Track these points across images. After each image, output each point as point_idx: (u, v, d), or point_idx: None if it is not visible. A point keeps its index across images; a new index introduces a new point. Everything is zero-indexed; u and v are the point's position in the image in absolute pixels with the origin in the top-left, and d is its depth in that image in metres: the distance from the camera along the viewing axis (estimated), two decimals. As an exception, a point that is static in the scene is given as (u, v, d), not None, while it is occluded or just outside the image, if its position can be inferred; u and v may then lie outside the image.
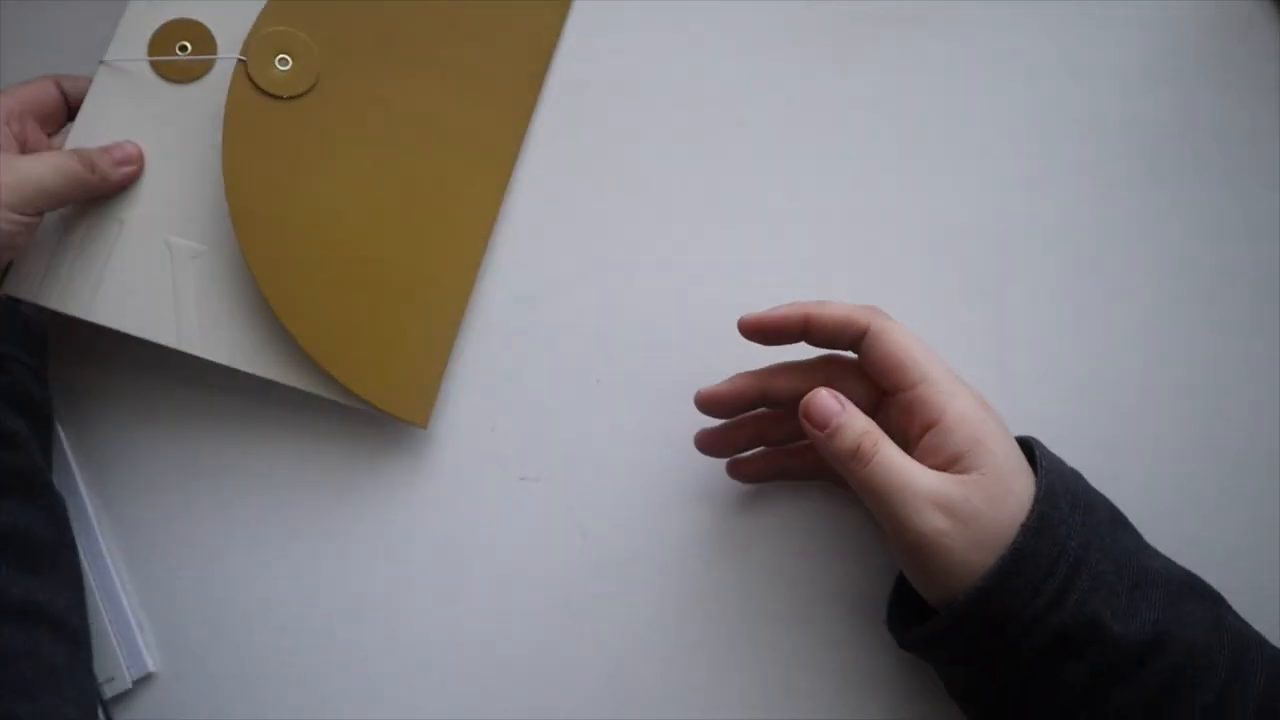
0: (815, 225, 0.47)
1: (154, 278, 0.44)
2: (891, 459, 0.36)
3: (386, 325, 0.44)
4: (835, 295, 0.46)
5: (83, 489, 0.45)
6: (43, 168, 0.41)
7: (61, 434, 0.46)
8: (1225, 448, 0.44)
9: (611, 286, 0.47)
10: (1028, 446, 0.38)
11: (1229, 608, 0.37)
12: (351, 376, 0.43)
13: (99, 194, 0.43)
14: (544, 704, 0.43)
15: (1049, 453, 0.38)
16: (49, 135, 0.44)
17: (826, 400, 0.37)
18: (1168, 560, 0.38)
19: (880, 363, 0.38)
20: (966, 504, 0.35)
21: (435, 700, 0.43)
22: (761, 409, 0.42)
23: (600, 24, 0.49)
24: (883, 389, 0.39)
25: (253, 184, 0.44)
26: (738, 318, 0.40)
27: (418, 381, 0.44)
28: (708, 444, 0.43)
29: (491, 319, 0.46)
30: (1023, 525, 0.35)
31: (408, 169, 0.45)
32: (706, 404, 0.42)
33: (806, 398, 0.38)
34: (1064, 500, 0.36)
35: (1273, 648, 0.37)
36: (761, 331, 0.40)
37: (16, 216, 0.40)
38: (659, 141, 0.48)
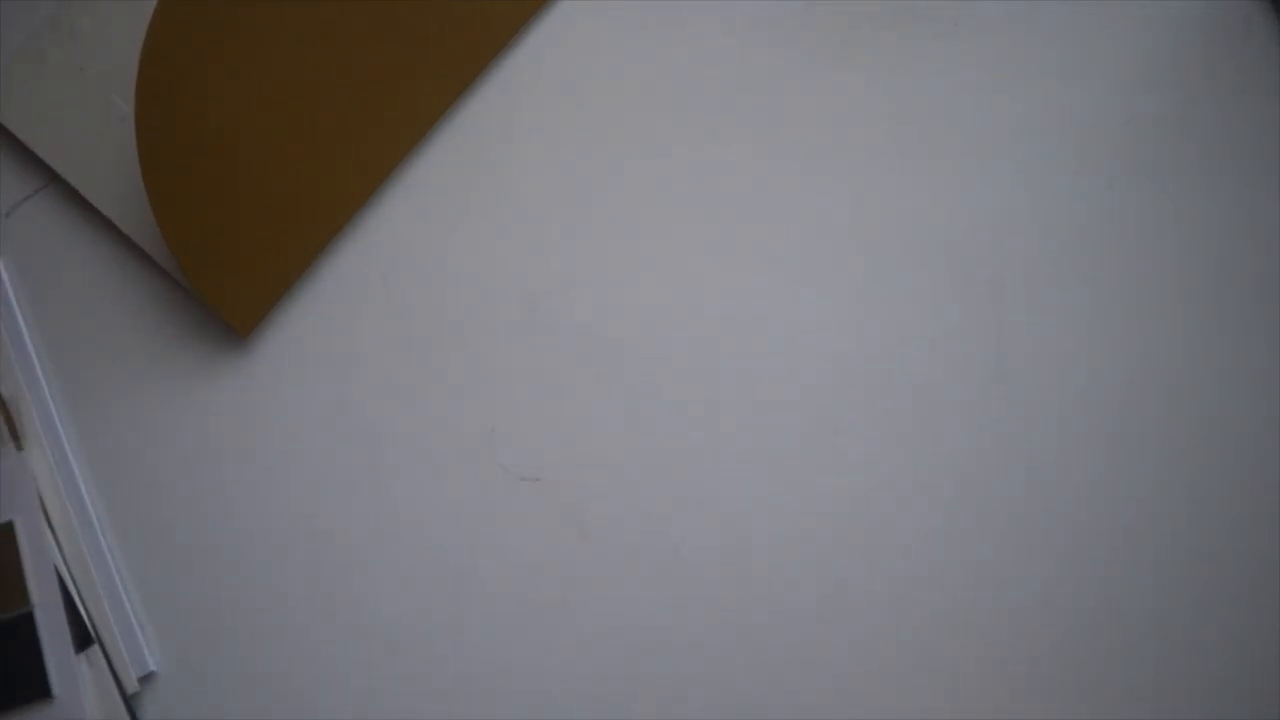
0: (814, 225, 0.47)
1: (88, 126, 0.48)
2: None
3: (246, 229, 0.46)
4: (834, 296, 0.46)
5: (83, 488, 0.46)
6: None
7: (63, 434, 0.46)
8: (1225, 448, 0.44)
9: (612, 286, 0.47)
10: None
11: None
12: (193, 262, 0.45)
13: None
14: (544, 704, 0.43)
15: None
16: None
17: None
18: None
19: None
20: None
21: (435, 700, 0.44)
22: None
23: (600, 23, 0.49)
24: None
25: (167, 62, 0.45)
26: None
27: (255, 291, 0.46)
28: None
29: (492, 319, 0.47)
30: None
31: (322, 95, 0.47)
32: None
33: None
34: None
35: None
36: None
37: None
38: (658, 141, 0.48)
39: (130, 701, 0.43)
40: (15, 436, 0.45)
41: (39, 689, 0.42)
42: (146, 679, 0.44)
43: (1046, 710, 0.42)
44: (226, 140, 0.46)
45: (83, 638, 0.43)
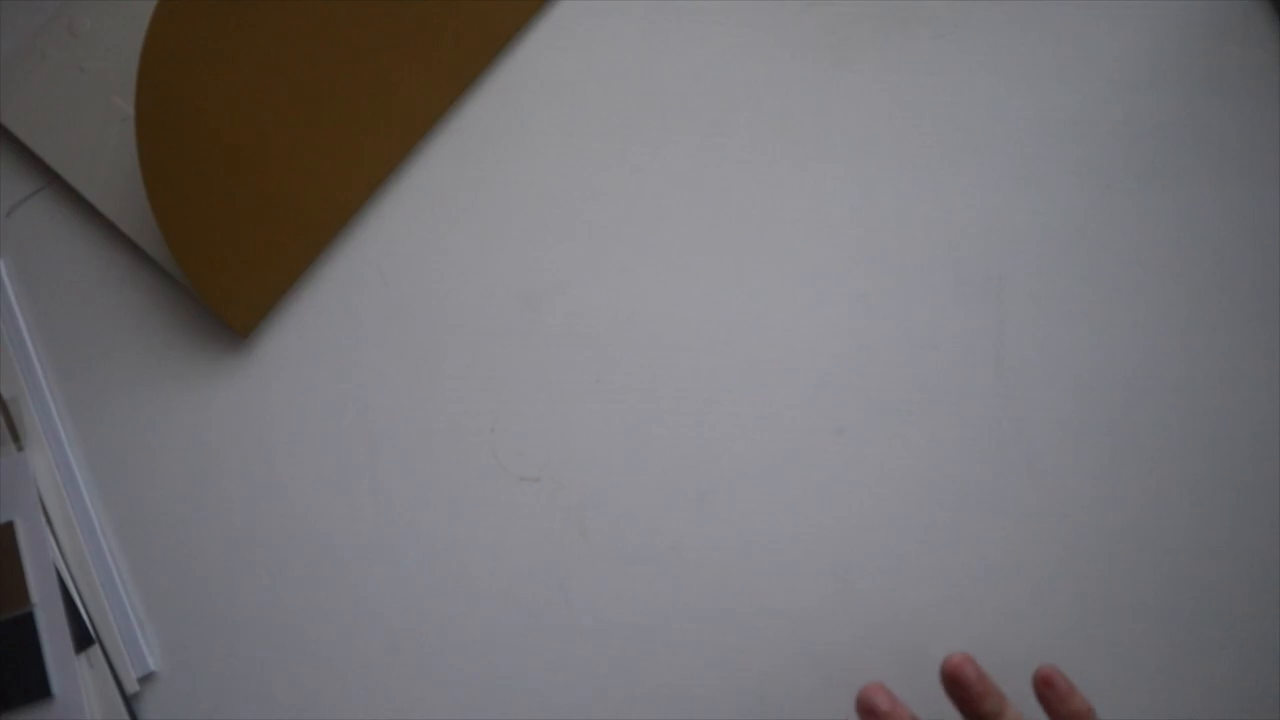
0: (814, 225, 0.47)
1: (88, 126, 0.48)
2: None
3: (246, 230, 0.46)
4: (834, 296, 0.46)
5: (83, 488, 0.45)
6: None
7: (63, 434, 0.46)
8: (1225, 447, 0.44)
9: (611, 286, 0.47)
10: None
11: None
12: (193, 262, 0.45)
13: None
14: (544, 703, 0.43)
15: None
16: None
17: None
18: None
19: None
20: None
21: (435, 699, 0.44)
22: None
23: (600, 23, 0.49)
24: None
25: (167, 62, 0.45)
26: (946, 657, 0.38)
27: (255, 292, 0.46)
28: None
29: (492, 319, 0.47)
30: None
31: (321, 96, 0.47)
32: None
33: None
34: None
35: None
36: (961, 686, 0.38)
37: None
38: (658, 142, 0.48)
39: (130, 701, 0.43)
40: (15, 436, 0.45)
41: (39, 689, 0.42)
42: (146, 679, 0.44)
43: (1046, 710, 0.42)
44: (226, 140, 0.46)
45: (83, 638, 0.43)
